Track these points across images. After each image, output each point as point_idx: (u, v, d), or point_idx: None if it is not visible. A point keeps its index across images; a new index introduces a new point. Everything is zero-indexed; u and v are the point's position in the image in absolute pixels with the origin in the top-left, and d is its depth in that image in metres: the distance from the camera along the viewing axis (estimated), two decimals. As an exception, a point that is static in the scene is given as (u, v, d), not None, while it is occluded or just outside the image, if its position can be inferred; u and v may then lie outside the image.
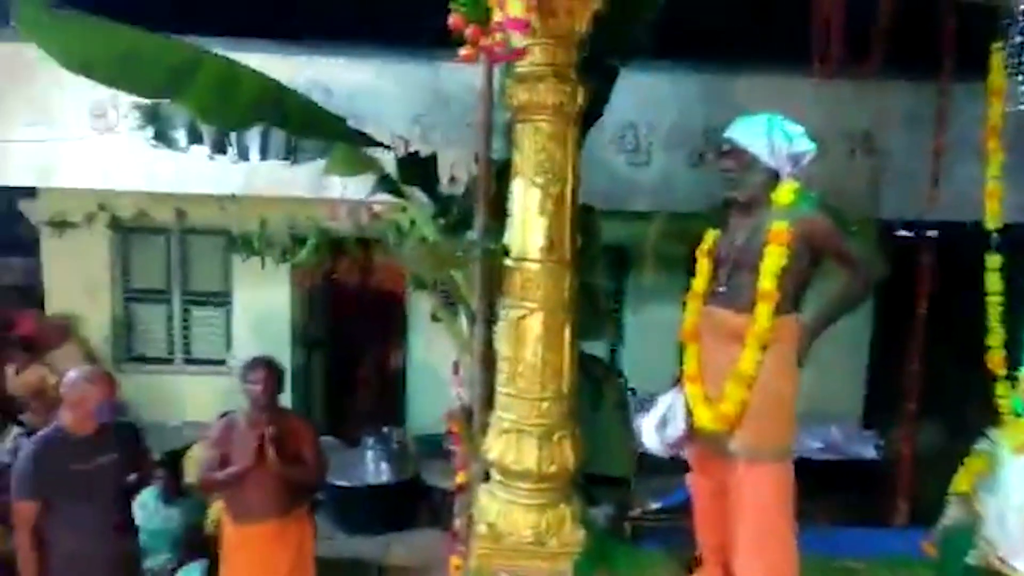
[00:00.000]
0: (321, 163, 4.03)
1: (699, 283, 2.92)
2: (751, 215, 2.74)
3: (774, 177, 2.72)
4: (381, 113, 5.33)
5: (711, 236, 2.92)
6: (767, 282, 2.62)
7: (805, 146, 2.72)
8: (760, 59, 5.43)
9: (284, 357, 7.11)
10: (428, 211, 3.68)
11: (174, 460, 5.27)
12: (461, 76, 5.55)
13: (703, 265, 2.92)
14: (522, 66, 2.69)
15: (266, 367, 3.99)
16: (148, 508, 4.90)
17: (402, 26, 5.10)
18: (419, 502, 6.24)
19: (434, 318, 6.82)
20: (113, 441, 3.69)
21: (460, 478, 3.69)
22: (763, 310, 2.63)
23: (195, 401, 6.97)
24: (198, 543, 5.04)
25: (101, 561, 3.63)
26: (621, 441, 3.52)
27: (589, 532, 2.92)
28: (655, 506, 4.90)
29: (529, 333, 2.81)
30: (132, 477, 3.84)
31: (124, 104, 5.33)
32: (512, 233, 2.83)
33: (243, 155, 3.94)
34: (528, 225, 2.77)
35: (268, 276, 6.65)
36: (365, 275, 7.25)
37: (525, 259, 2.78)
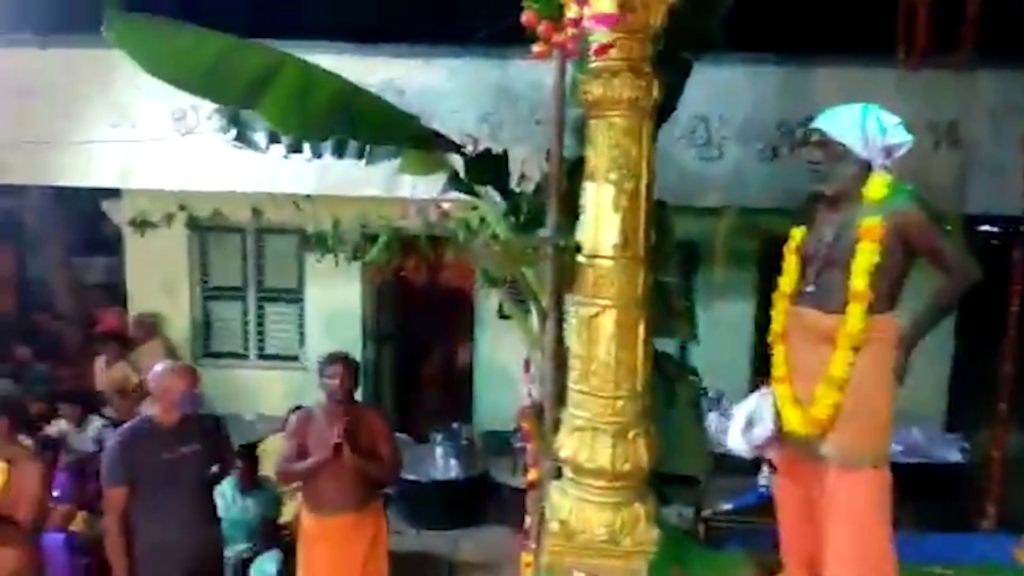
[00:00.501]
0: (393, 163, 4.08)
1: (786, 282, 2.81)
2: (840, 210, 2.64)
3: (866, 169, 2.61)
4: (450, 112, 5.37)
5: (798, 233, 2.81)
6: (859, 281, 2.51)
7: (901, 137, 2.59)
8: (838, 49, 5.27)
9: (355, 353, 7.18)
10: (499, 209, 3.67)
11: (249, 452, 5.41)
12: (529, 74, 5.57)
13: (790, 263, 2.81)
14: (596, 61, 2.66)
15: (343, 362, 4.07)
16: (226, 498, 5.04)
17: (472, 25, 5.13)
18: (487, 499, 6.26)
19: (501, 315, 6.91)
20: (197, 432, 3.82)
21: (531, 475, 3.68)
22: (855, 311, 2.52)
23: (268, 395, 7.15)
24: (273, 533, 5.17)
25: (185, 547, 3.74)
26: (694, 440, 3.45)
27: (663, 532, 2.88)
28: (726, 507, 4.82)
29: (602, 331, 2.77)
30: (215, 468, 3.97)
31: (204, 107, 5.50)
32: (585, 230, 2.80)
33: (316, 154, 4.01)
34: (601, 222, 2.73)
35: (340, 273, 6.83)
36: (433, 272, 7.33)
37: (598, 256, 2.75)
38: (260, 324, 7.42)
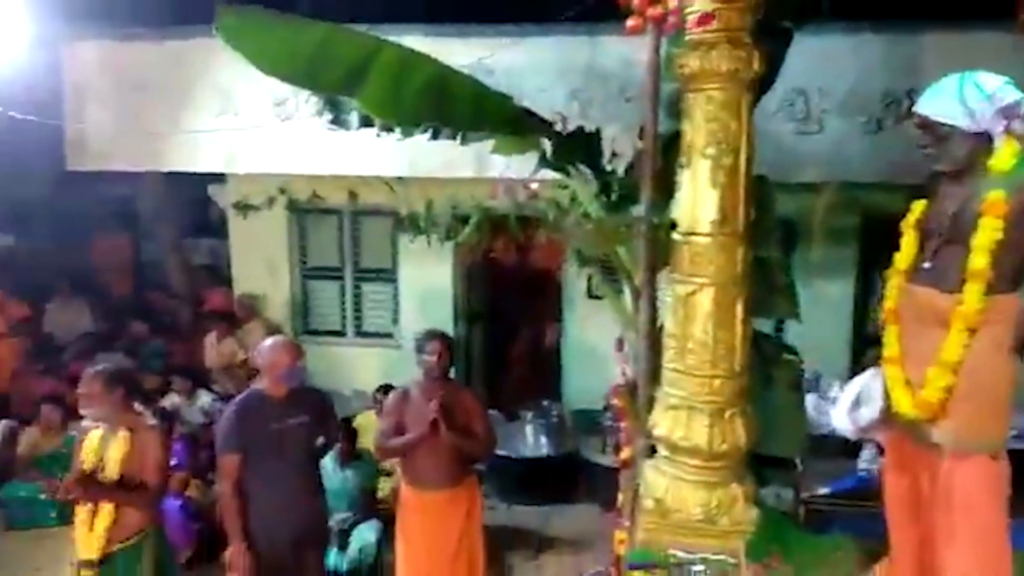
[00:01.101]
0: (483, 143, 4.11)
1: (903, 258, 2.66)
2: (963, 183, 2.46)
3: (985, 140, 2.44)
4: (539, 91, 5.36)
5: (919, 206, 2.65)
6: (979, 259, 2.34)
7: (1012, 95, 2.38)
8: (948, 14, 4.98)
9: (445, 331, 7.37)
10: (591, 187, 3.66)
11: (347, 426, 5.60)
12: (619, 50, 5.50)
13: (909, 238, 2.65)
14: (693, 33, 2.61)
15: (441, 340, 4.16)
16: (327, 469, 5.23)
17: (561, 2, 5.09)
18: (577, 476, 6.29)
19: (590, 295, 6.91)
20: (304, 405, 4.00)
21: (624, 453, 3.70)
22: (973, 290, 2.36)
23: (364, 371, 7.36)
24: (372, 503, 5.36)
25: (293, 514, 3.93)
26: (793, 421, 3.38)
27: (762, 513, 2.84)
28: (823, 491, 4.71)
29: (699, 309, 2.74)
30: (320, 439, 4.14)
31: (304, 92, 5.66)
32: (681, 207, 2.76)
33: (408, 135, 4.07)
34: (699, 198, 2.69)
35: (432, 254, 6.94)
36: (522, 252, 7.36)
37: (695, 233, 2.71)
38: (357, 303, 7.63)
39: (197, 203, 9.06)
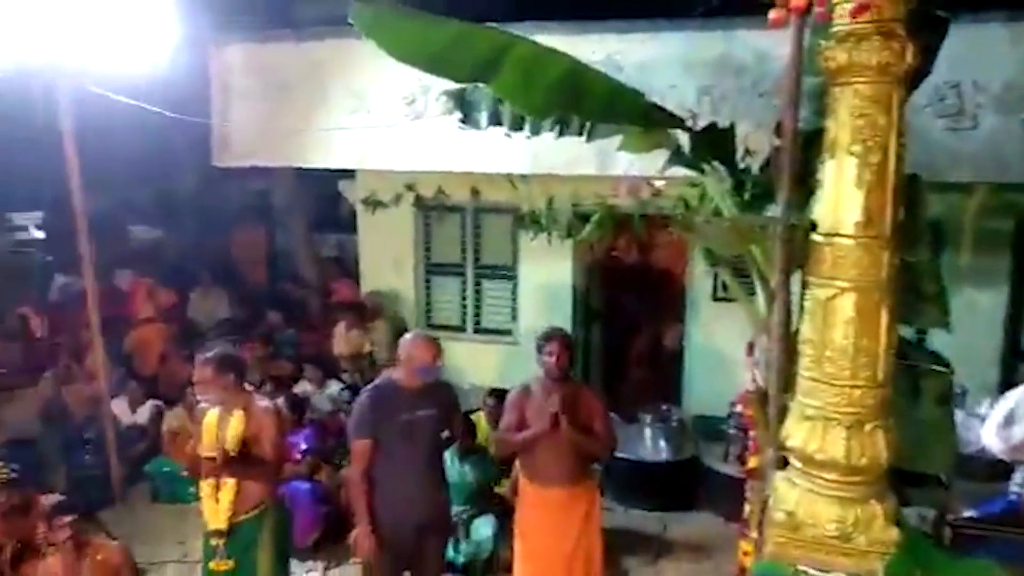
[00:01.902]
0: (605, 141, 4.06)
1: None
2: None
3: None
4: (669, 86, 5.25)
5: None
6: None
7: None
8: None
9: (567, 331, 7.35)
10: (725, 185, 3.54)
11: (467, 420, 5.67)
12: (753, 43, 5.31)
13: None
14: (842, 25, 2.48)
15: (561, 339, 4.15)
16: (446, 462, 5.34)
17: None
18: (697, 483, 6.14)
19: (715, 297, 6.71)
20: (433, 398, 4.09)
21: (752, 462, 3.57)
22: None
23: (483, 367, 7.43)
24: (489, 498, 5.41)
25: (417, 502, 4.04)
26: (940, 438, 3.16)
27: (903, 533, 2.66)
28: (970, 514, 4.38)
29: (839, 314, 2.60)
30: (445, 433, 4.23)
31: (433, 91, 5.79)
32: (822, 206, 2.63)
33: (536, 132, 4.08)
34: (842, 198, 2.56)
35: (552, 251, 6.94)
36: (644, 251, 7.25)
37: (837, 235, 2.58)
38: (477, 299, 7.72)
39: (326, 198, 9.42)
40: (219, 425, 3.90)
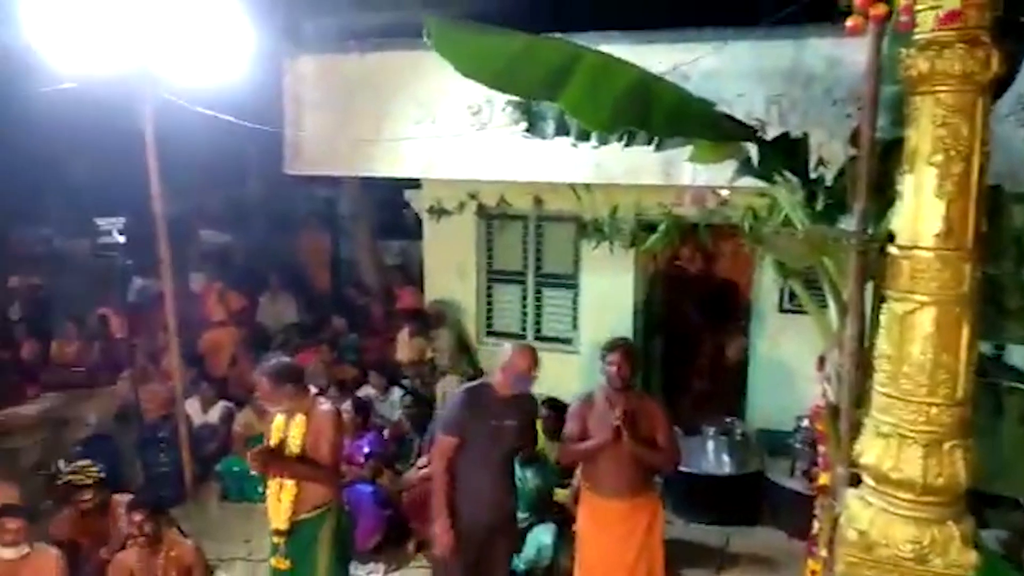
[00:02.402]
0: (671, 150, 4.03)
1: None
2: None
3: None
4: (737, 96, 5.19)
5: None
6: None
7: None
8: None
9: (630, 341, 7.30)
10: (797, 196, 3.49)
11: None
12: (825, 52, 5.21)
13: None
14: (923, 32, 2.42)
15: (623, 350, 4.15)
16: (512, 469, 5.36)
17: (762, 4, 4.91)
18: (761, 498, 6.02)
19: (782, 309, 6.59)
20: (519, 408, 4.15)
21: (821, 479, 3.50)
22: None
23: (543, 375, 7.39)
24: (549, 505, 5.41)
25: (491, 506, 4.12)
26: (1023, 458, 3.04)
27: (981, 556, 2.58)
28: (1051, 539, 4.21)
29: (917, 329, 2.53)
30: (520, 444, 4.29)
31: (498, 101, 5.83)
32: (901, 218, 2.57)
33: (603, 142, 4.08)
34: (922, 209, 2.49)
35: (614, 261, 6.93)
36: (708, 261, 7.16)
37: (916, 247, 2.51)
38: (538, 307, 7.73)
39: (390, 205, 9.58)
40: (283, 429, 4.00)
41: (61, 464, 6.51)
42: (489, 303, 7.90)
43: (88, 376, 7.90)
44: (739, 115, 4.50)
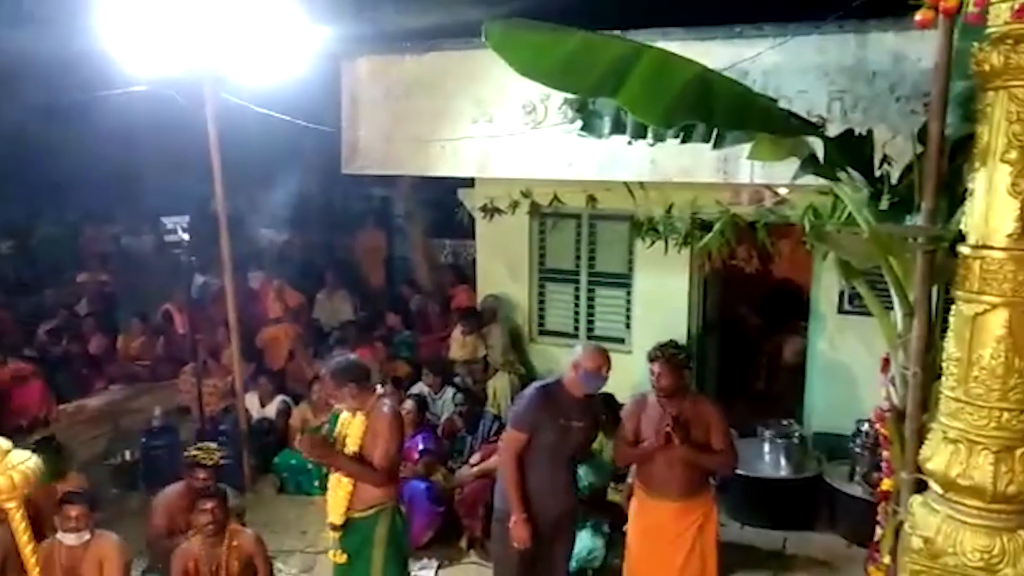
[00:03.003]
0: (727, 148, 3.97)
1: None
2: None
3: None
4: (797, 92, 5.10)
5: None
6: None
7: None
8: None
9: (678, 340, 7.19)
10: (862, 194, 3.41)
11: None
12: (888, 46, 5.09)
13: None
14: (996, 26, 2.35)
15: (665, 360, 4.06)
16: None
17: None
18: (818, 503, 5.90)
19: (841, 309, 6.45)
20: (588, 409, 4.16)
21: (885, 484, 3.42)
22: None
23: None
24: (602, 502, 5.39)
25: (555, 504, 4.12)
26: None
27: (1055, 568, 2.49)
28: None
29: (989, 332, 2.46)
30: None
31: (553, 100, 5.84)
32: (972, 217, 2.50)
33: (659, 139, 4.04)
34: (994, 208, 2.42)
35: (668, 260, 6.86)
36: (765, 260, 7.03)
37: (988, 247, 2.44)
38: (590, 306, 7.69)
39: (442, 204, 9.63)
40: (346, 424, 4.06)
41: (126, 454, 6.77)
42: (541, 302, 7.90)
43: (151, 370, 8.15)
44: (800, 111, 4.42)
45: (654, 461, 4.11)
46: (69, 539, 4.22)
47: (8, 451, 3.87)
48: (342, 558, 4.07)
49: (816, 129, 3.53)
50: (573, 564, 5.13)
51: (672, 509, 4.16)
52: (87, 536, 4.24)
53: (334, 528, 4.07)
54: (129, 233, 12.68)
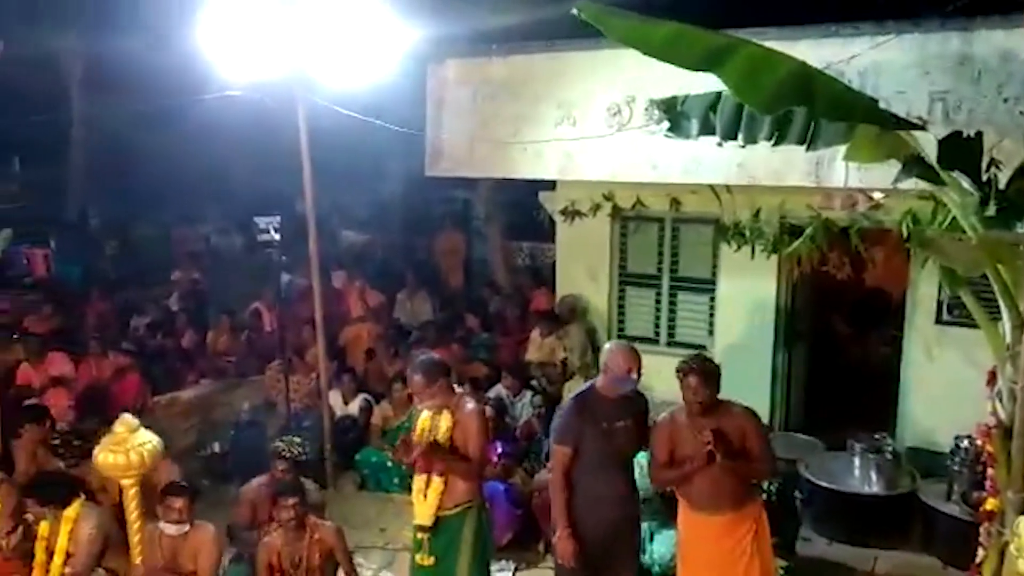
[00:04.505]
0: (819, 151, 3.83)
1: None
2: None
3: None
4: (896, 92, 4.90)
5: None
6: None
7: None
8: None
9: (765, 348, 7.03)
10: (971, 199, 3.24)
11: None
12: (996, 45, 4.84)
13: None
14: None
15: (702, 367, 3.91)
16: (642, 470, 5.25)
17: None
18: (912, 521, 5.64)
19: (939, 320, 6.16)
20: (630, 409, 4.09)
21: (989, 504, 3.24)
22: None
23: (674, 381, 7.24)
24: (671, 511, 5.26)
25: (613, 509, 4.07)
26: None
27: None
28: None
29: (1112, 346, 2.30)
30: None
31: (638, 102, 5.77)
32: (1097, 224, 2.34)
33: (751, 140, 3.93)
34: (1122, 214, 2.26)
35: (755, 265, 6.68)
36: (857, 267, 6.77)
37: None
38: (672, 312, 7.57)
39: (521, 207, 9.66)
40: (430, 425, 4.10)
41: (216, 446, 7.01)
42: (621, 306, 7.81)
43: (238, 366, 8.43)
44: (899, 113, 4.24)
45: (696, 478, 3.96)
46: (170, 529, 4.39)
47: (135, 430, 4.09)
48: (429, 560, 4.10)
49: (921, 128, 3.36)
50: (656, 569, 5.04)
51: (724, 523, 4.02)
52: (187, 528, 4.41)
53: (423, 529, 4.11)
54: (219, 233, 13.20)
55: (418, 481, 4.13)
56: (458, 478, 4.05)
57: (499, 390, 7.00)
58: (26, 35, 10.56)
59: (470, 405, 4.09)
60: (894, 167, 3.62)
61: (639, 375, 4.01)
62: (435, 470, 4.05)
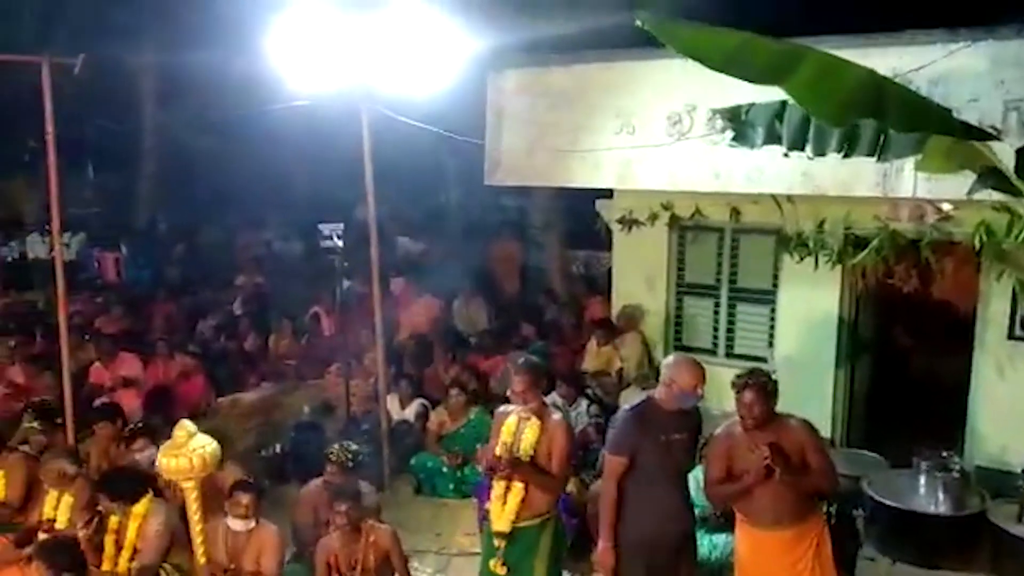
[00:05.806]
0: (888, 162, 3.74)
1: None
2: None
3: None
4: (970, 100, 4.76)
5: None
6: None
7: None
8: None
9: (827, 361, 6.88)
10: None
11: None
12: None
13: None
14: None
15: (758, 383, 3.85)
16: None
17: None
18: (980, 543, 5.45)
19: (1011, 335, 5.95)
20: (687, 423, 4.06)
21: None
22: None
23: (731, 394, 7.14)
24: (729, 524, 5.18)
25: (668, 522, 4.03)
26: None
27: None
28: None
29: None
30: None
31: (699, 111, 5.73)
32: None
33: (820, 152, 3.86)
34: None
35: (818, 277, 6.55)
36: (924, 280, 6.58)
37: None
38: (730, 323, 7.47)
39: (577, 215, 9.66)
40: (515, 430, 4.12)
41: (276, 447, 7.16)
42: (679, 317, 7.74)
43: (298, 369, 8.59)
44: (971, 122, 4.12)
45: (756, 493, 3.89)
46: (236, 525, 4.52)
47: (193, 434, 4.21)
48: (502, 569, 4.11)
49: (996, 137, 3.26)
50: (715, 556, 4.92)
51: (786, 538, 3.95)
52: (252, 524, 4.53)
53: (501, 536, 4.11)
54: (281, 239, 13.50)
55: (498, 487, 4.13)
56: (539, 490, 4.05)
57: (554, 398, 6.99)
58: (102, 47, 10.99)
59: (557, 416, 4.10)
60: (965, 177, 3.52)
61: (702, 391, 3.97)
62: (518, 478, 4.05)
